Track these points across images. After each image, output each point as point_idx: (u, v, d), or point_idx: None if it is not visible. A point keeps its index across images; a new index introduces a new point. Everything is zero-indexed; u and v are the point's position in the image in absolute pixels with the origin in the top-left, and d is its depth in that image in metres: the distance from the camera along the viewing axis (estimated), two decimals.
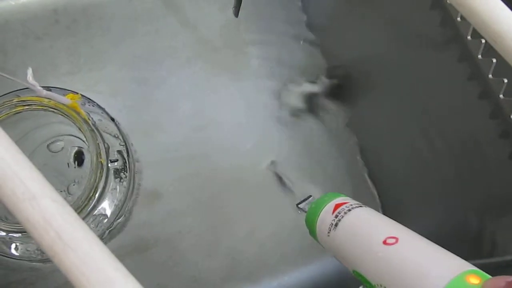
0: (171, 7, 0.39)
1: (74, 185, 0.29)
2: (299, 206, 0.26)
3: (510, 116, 0.22)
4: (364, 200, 0.27)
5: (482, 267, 0.17)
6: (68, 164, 0.29)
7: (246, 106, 0.38)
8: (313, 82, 0.38)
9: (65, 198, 0.28)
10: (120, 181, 0.24)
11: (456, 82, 0.25)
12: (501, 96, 0.23)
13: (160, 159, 0.35)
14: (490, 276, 0.16)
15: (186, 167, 0.35)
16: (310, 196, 0.27)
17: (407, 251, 0.18)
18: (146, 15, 0.38)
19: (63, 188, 0.28)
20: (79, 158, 0.29)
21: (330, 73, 0.39)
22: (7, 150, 0.13)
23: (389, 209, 0.36)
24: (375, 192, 0.37)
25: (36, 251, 0.23)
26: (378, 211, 0.37)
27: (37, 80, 0.22)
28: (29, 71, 0.20)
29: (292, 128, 0.38)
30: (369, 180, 0.37)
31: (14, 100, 0.22)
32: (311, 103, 0.38)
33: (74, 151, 0.29)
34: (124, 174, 0.24)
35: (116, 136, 0.25)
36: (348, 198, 0.23)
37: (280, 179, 0.36)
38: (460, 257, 0.17)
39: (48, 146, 0.28)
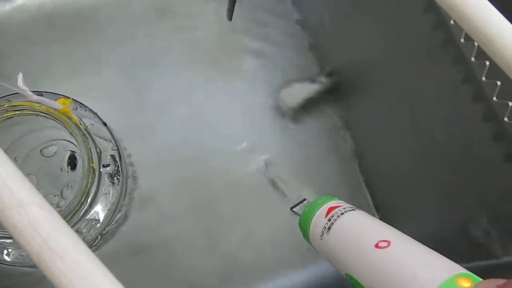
0: (166, 11, 0.39)
1: (67, 189, 0.28)
2: (293, 209, 0.26)
3: (504, 118, 0.22)
4: (358, 203, 0.27)
5: (474, 270, 0.17)
6: (61, 168, 0.29)
7: (242, 109, 0.38)
8: (308, 84, 0.38)
9: (58, 202, 0.28)
10: (113, 185, 0.24)
11: (450, 85, 0.25)
12: (494, 98, 0.23)
13: (155, 163, 0.35)
14: (481, 279, 0.16)
15: (181, 170, 0.35)
16: (304, 199, 0.27)
17: (399, 255, 0.18)
18: (142, 19, 0.38)
19: (57, 192, 0.28)
20: (72, 162, 0.29)
21: (326, 75, 0.39)
22: None
23: (384, 213, 0.36)
24: (370, 195, 0.37)
25: (29, 256, 0.23)
26: (373, 214, 0.37)
27: (32, 83, 0.22)
28: (20, 76, 0.20)
29: (287, 130, 0.38)
30: (364, 183, 0.37)
31: (5, 105, 0.22)
32: (307, 106, 0.38)
33: (67, 155, 0.29)
34: (117, 178, 0.24)
35: (109, 140, 0.24)
36: (341, 201, 0.23)
37: (273, 182, 0.36)
38: (453, 260, 0.17)
39: (41, 150, 0.28)
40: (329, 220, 0.22)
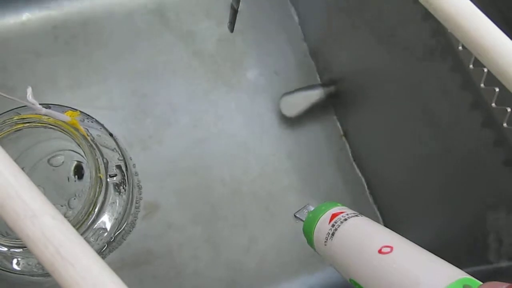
0: (169, 22, 0.39)
1: (74, 199, 0.29)
2: (296, 215, 0.26)
3: (503, 124, 0.23)
4: (362, 209, 0.27)
5: (476, 274, 0.17)
6: (68, 178, 0.29)
7: (244, 117, 0.38)
8: (309, 92, 0.39)
9: (66, 212, 0.28)
10: (119, 194, 0.24)
11: (449, 91, 0.26)
12: (493, 104, 0.23)
13: (159, 172, 0.35)
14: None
15: (186, 179, 0.36)
16: (308, 205, 0.27)
17: (401, 260, 0.18)
18: (145, 30, 0.39)
19: (64, 202, 0.29)
20: (79, 172, 0.29)
21: (326, 83, 0.39)
22: (8, 169, 0.14)
23: (387, 218, 0.36)
24: (373, 201, 0.37)
25: (37, 266, 0.24)
26: (376, 220, 0.37)
27: (37, 95, 0.22)
28: (29, 90, 0.21)
29: (289, 138, 0.38)
30: (366, 189, 0.38)
31: (14, 118, 0.23)
32: (308, 114, 0.38)
33: (74, 165, 0.29)
34: (123, 188, 0.25)
35: (115, 150, 0.25)
36: (344, 207, 0.24)
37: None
38: (455, 265, 0.18)
39: (48, 160, 0.29)
40: (333, 226, 0.22)
